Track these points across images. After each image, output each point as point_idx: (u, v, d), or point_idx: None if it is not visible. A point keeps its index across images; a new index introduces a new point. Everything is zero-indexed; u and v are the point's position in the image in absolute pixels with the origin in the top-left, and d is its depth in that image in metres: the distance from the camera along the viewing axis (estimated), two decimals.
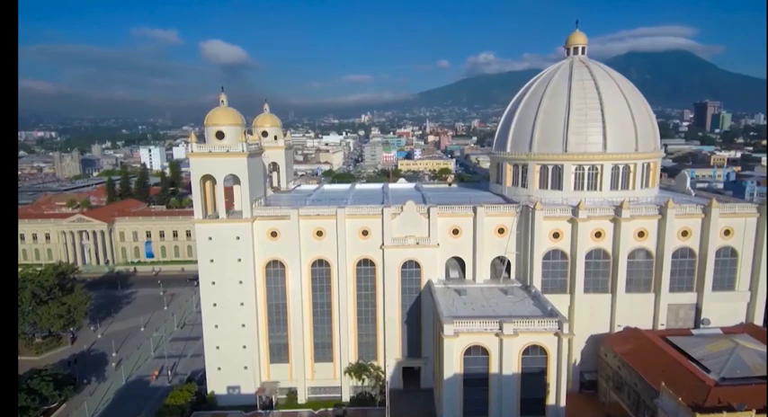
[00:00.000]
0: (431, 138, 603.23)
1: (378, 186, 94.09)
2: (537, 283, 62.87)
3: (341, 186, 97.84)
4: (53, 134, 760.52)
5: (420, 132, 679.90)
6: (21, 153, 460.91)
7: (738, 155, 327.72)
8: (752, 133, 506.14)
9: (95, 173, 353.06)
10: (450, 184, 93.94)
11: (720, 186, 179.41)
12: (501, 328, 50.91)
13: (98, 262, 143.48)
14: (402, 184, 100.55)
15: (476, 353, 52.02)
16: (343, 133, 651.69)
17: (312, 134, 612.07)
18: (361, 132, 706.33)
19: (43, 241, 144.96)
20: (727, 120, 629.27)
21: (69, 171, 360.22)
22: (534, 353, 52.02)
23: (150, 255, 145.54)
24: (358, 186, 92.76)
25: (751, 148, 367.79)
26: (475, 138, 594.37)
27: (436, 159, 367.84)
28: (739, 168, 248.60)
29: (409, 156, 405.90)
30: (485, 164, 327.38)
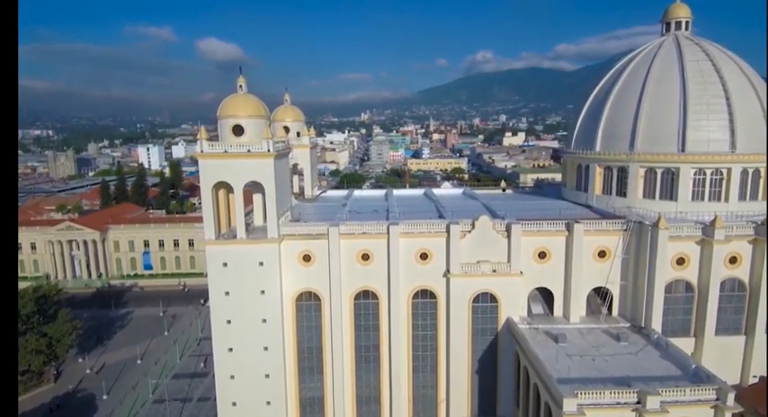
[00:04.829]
0: (435, 136, 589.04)
1: (418, 192, 79.43)
2: (657, 325, 48.00)
3: (374, 192, 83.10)
4: (50, 132, 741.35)
5: (423, 130, 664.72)
6: None
7: None
8: None
9: (91, 173, 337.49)
10: (504, 190, 79.27)
11: None
12: (641, 402, 36.24)
13: (90, 276, 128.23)
14: (447, 190, 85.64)
15: None
16: (346, 131, 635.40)
17: (313, 132, 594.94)
18: (363, 130, 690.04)
19: (29, 251, 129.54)
20: None
21: (64, 170, 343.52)
22: None
23: (148, 267, 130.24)
24: (396, 192, 77.71)
25: None
26: (481, 136, 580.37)
27: (447, 158, 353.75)
28: None
29: (417, 155, 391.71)
30: (500, 162, 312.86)
